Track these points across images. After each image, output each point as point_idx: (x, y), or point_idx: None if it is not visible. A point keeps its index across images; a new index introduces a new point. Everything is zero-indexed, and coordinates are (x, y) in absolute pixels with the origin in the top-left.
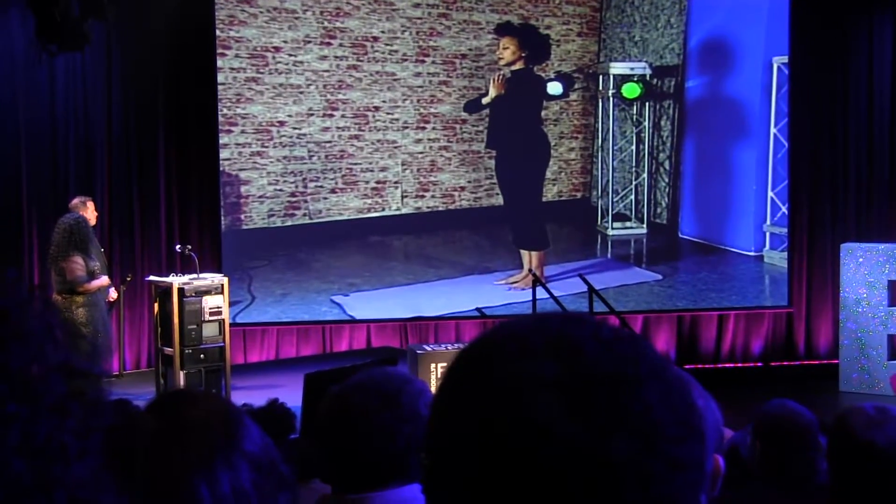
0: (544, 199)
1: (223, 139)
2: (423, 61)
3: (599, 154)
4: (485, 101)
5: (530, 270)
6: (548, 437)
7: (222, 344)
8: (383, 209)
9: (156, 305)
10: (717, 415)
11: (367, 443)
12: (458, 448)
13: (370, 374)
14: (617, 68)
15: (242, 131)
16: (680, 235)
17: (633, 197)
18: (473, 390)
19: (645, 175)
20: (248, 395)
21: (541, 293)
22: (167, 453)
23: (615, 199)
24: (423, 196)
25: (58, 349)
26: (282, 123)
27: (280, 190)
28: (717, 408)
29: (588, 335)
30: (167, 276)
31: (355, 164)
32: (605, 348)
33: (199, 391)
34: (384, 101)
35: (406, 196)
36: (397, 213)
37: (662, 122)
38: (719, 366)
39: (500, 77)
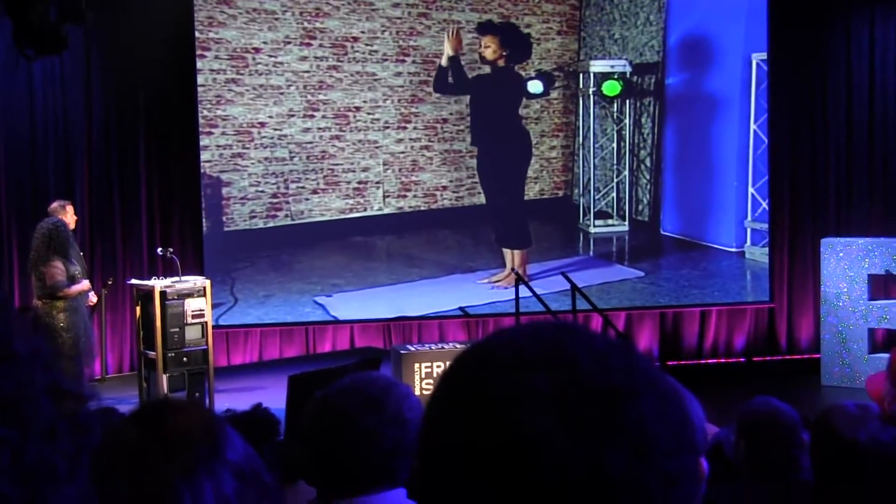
0: (526, 198)
1: (204, 141)
2: (404, 61)
3: (580, 152)
4: (443, 62)
5: (513, 269)
6: (540, 451)
7: (205, 347)
8: (365, 209)
9: (138, 309)
10: (700, 414)
11: (352, 447)
12: (449, 458)
13: (354, 378)
14: (597, 66)
15: (223, 133)
16: (662, 232)
17: (614, 194)
18: (466, 400)
19: (626, 172)
20: (232, 397)
21: (523, 292)
22: (150, 463)
23: (597, 197)
24: (405, 196)
25: (46, 372)
26: (262, 125)
27: (261, 191)
28: (700, 406)
29: (582, 346)
30: (149, 279)
31: (337, 164)
32: (599, 360)
33: (181, 400)
34: (365, 102)
35: (388, 196)
36: (379, 213)
37: (643, 120)
38: (702, 362)
39: (454, 31)
